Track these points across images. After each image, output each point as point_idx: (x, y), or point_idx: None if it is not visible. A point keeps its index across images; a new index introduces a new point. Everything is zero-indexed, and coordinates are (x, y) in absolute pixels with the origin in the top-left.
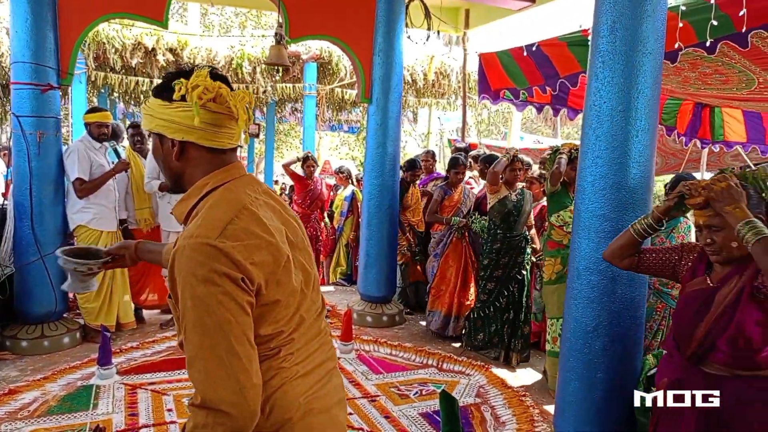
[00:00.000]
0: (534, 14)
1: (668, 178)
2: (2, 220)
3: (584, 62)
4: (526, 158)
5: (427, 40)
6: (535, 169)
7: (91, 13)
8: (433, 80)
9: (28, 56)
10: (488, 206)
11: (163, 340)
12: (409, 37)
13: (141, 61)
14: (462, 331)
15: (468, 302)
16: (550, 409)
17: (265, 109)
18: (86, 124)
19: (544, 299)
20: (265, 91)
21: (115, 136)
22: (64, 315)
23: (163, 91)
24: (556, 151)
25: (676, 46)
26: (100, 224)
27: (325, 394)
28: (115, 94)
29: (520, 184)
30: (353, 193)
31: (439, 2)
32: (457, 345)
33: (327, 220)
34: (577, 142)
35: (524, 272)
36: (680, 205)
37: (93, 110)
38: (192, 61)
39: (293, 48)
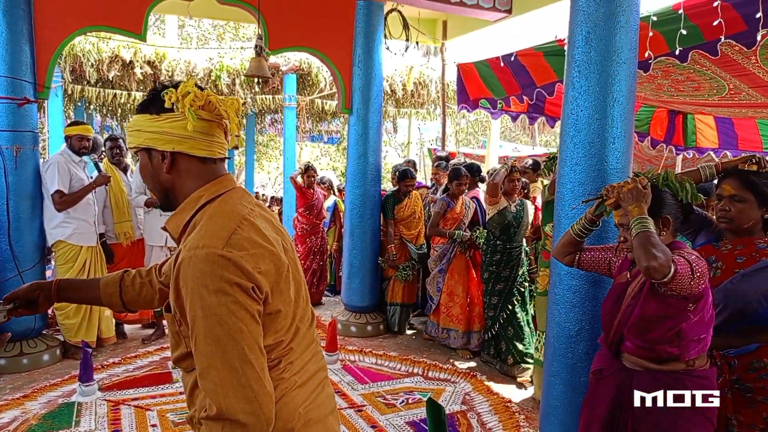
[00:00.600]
0: (510, 25)
1: None
2: None
3: (560, 71)
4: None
5: (405, 50)
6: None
7: (68, 26)
8: (412, 90)
9: (3, 70)
10: (488, 218)
11: (146, 355)
12: (388, 48)
13: (118, 74)
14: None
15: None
16: (536, 415)
17: (244, 120)
18: (67, 137)
19: (536, 311)
20: (244, 103)
21: (94, 149)
22: (44, 331)
23: (150, 106)
24: (552, 158)
25: (647, 55)
26: (80, 239)
27: (320, 403)
28: (92, 108)
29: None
30: (335, 204)
31: (417, 13)
32: (452, 352)
33: None
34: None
35: (525, 286)
36: (602, 206)
37: (74, 123)
38: (170, 73)
39: (273, 59)
